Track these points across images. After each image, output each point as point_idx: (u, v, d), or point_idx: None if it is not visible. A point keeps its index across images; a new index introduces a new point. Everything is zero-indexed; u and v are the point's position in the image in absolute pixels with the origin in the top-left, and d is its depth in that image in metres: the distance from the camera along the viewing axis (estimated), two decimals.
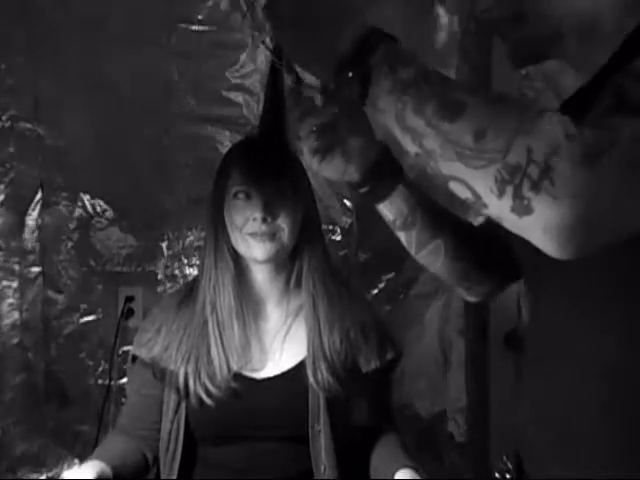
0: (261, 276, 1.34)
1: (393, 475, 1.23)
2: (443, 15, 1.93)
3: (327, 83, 0.79)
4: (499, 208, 0.62)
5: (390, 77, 0.68)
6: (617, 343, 0.70)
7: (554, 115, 0.61)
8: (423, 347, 1.95)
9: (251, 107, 1.91)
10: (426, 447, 1.93)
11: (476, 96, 0.65)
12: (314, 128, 0.89)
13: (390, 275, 1.95)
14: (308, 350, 1.30)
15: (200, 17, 1.88)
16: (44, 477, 1.84)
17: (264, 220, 1.26)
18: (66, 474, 1.20)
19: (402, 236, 0.97)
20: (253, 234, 1.28)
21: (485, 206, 0.63)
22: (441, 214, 0.98)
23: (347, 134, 0.91)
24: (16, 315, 1.83)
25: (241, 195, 1.29)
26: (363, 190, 0.94)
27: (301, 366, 1.30)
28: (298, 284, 1.35)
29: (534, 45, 0.78)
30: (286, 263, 1.35)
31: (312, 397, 1.28)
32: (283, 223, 1.27)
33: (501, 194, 0.60)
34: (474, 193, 0.63)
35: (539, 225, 0.59)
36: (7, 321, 1.83)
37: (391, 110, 0.68)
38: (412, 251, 0.97)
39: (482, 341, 1.96)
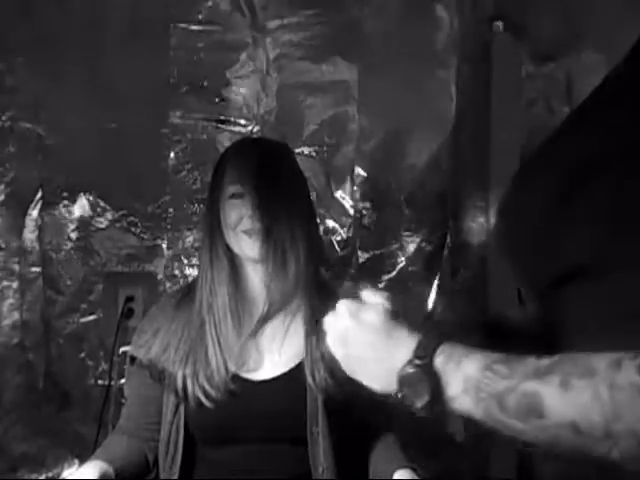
0: (257, 276, 1.34)
1: (392, 475, 1.23)
2: (443, 15, 1.93)
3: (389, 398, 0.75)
4: None
5: (458, 375, 0.66)
6: None
7: (630, 370, 0.54)
8: None
9: (251, 107, 1.91)
10: (426, 447, 1.93)
11: (546, 380, 0.59)
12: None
13: (390, 275, 1.95)
14: (306, 351, 1.30)
15: (200, 17, 1.88)
16: (44, 477, 1.84)
17: (257, 218, 1.26)
18: (68, 474, 1.19)
19: None
20: (246, 231, 1.27)
21: None
22: None
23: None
24: (16, 315, 1.83)
25: (236, 194, 1.29)
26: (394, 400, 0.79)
27: (299, 367, 1.30)
28: (296, 284, 1.35)
29: (547, 46, 0.74)
30: (283, 263, 1.34)
31: (310, 399, 1.27)
32: (277, 221, 1.26)
33: None
34: None
35: None
36: (7, 321, 1.83)
37: (474, 410, 0.66)
38: None
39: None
